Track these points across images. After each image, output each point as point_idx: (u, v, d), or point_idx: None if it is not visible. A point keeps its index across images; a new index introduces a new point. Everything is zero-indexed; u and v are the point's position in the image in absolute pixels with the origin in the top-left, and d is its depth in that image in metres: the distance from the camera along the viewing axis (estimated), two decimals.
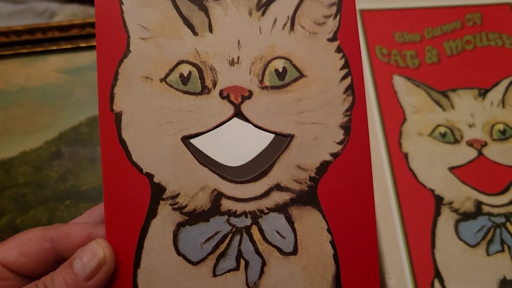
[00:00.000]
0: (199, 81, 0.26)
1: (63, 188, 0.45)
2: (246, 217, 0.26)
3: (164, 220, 0.25)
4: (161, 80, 0.26)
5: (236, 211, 0.26)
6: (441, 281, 0.36)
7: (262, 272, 0.26)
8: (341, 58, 0.27)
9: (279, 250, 0.26)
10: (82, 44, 0.51)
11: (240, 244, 0.26)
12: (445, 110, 0.43)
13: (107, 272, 0.25)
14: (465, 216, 0.39)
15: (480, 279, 0.36)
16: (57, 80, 0.50)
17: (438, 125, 0.42)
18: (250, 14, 0.27)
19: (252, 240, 0.26)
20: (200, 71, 0.26)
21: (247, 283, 0.26)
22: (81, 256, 0.25)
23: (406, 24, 0.48)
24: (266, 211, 0.26)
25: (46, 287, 0.24)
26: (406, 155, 0.41)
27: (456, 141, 0.41)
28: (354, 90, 0.27)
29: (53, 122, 0.48)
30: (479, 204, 0.39)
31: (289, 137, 0.26)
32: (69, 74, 0.50)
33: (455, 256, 0.37)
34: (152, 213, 0.25)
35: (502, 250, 0.37)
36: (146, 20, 0.26)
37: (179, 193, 0.26)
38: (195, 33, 0.27)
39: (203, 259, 0.26)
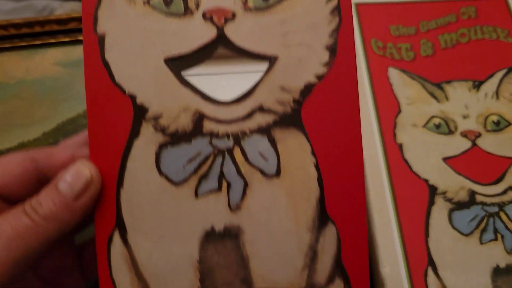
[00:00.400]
0: (182, 3, 0.26)
1: None
2: (228, 138, 0.26)
3: (147, 141, 0.26)
4: (144, 2, 0.26)
5: (218, 132, 0.26)
6: (435, 269, 0.37)
7: (244, 194, 0.26)
8: None
9: (262, 172, 0.26)
10: (81, 38, 0.51)
11: (222, 165, 0.26)
12: (439, 101, 0.43)
13: (94, 191, 0.25)
14: (459, 206, 0.39)
15: (473, 267, 0.36)
16: (56, 73, 0.51)
17: (433, 116, 0.42)
18: None
19: (234, 162, 0.26)
20: None
21: (229, 204, 0.26)
22: (66, 177, 0.25)
23: (402, 17, 0.48)
24: (248, 133, 0.26)
25: (34, 209, 0.24)
26: (400, 146, 0.41)
27: (450, 132, 0.42)
28: (341, 11, 0.26)
29: (52, 114, 0.48)
30: (472, 193, 0.39)
31: (273, 59, 0.26)
32: (67, 67, 0.51)
33: (449, 245, 0.37)
34: (134, 133, 0.26)
35: (495, 239, 0.37)
36: None
37: (161, 114, 0.26)
38: None
39: (185, 180, 0.25)
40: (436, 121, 0.42)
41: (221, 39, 0.26)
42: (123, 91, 0.26)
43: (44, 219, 0.24)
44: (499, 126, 0.42)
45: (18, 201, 0.26)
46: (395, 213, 0.39)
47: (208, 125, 0.26)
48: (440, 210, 0.39)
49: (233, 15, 0.26)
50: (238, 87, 0.26)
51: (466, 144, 0.41)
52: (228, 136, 0.26)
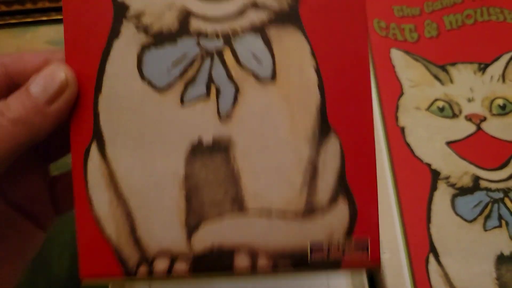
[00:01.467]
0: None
1: None
2: (217, 38, 0.23)
3: (128, 42, 0.23)
4: None
5: (206, 31, 0.23)
6: (436, 256, 0.35)
7: (235, 100, 0.23)
8: None
9: (255, 75, 0.23)
10: None
11: (211, 68, 0.23)
12: (443, 84, 0.42)
13: (70, 96, 0.22)
14: (462, 191, 0.37)
15: (476, 254, 0.35)
16: None
17: (436, 99, 0.41)
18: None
19: (224, 65, 0.23)
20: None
21: (218, 113, 0.23)
22: (39, 79, 0.22)
23: None
24: (240, 31, 0.23)
25: (1, 112, 0.22)
26: (402, 129, 0.40)
27: (454, 116, 0.40)
28: None
29: None
30: (476, 179, 0.38)
31: None
32: (60, 45, 0.49)
33: (451, 231, 0.36)
34: (114, 33, 0.23)
35: (500, 226, 0.36)
36: None
37: (144, 11, 0.23)
38: None
39: (169, 85, 0.23)
40: (440, 104, 0.41)
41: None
42: None
43: (12, 123, 0.22)
44: (505, 110, 0.40)
45: None
46: (396, 198, 0.37)
47: (195, 24, 0.23)
48: (442, 196, 0.37)
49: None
50: None
51: (470, 128, 0.40)
52: (217, 35, 0.23)
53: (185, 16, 0.23)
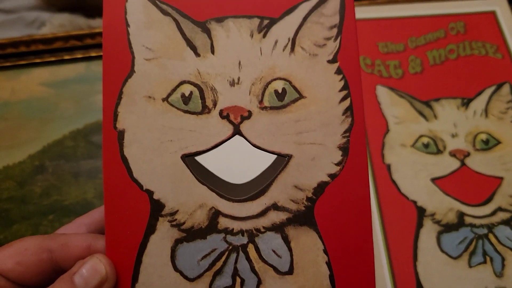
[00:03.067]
0: (200, 100, 0.27)
1: (46, 203, 0.44)
2: (242, 235, 0.26)
3: (163, 236, 0.26)
4: (163, 99, 0.27)
5: (233, 229, 0.26)
6: None
7: None
8: (340, 79, 0.27)
9: (275, 269, 0.26)
10: (66, 57, 0.51)
11: (236, 262, 0.26)
12: (428, 120, 0.43)
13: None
14: (448, 228, 0.38)
15: None
16: (42, 94, 0.50)
17: (421, 136, 0.42)
18: (252, 36, 0.27)
19: (248, 259, 0.26)
20: (201, 91, 0.27)
21: None
22: (82, 272, 0.25)
23: (390, 34, 0.48)
24: (262, 230, 0.26)
25: None
26: (388, 166, 0.41)
27: (439, 152, 0.41)
28: (353, 112, 0.26)
29: (37, 135, 0.48)
30: (461, 215, 0.39)
31: (287, 157, 0.26)
32: (53, 87, 0.50)
33: (437, 269, 0.37)
34: (151, 229, 0.26)
35: (484, 262, 0.37)
36: (151, 41, 0.27)
37: (177, 210, 0.26)
38: (197, 54, 0.27)
39: (199, 276, 0.26)
40: (425, 140, 0.42)
41: (236, 139, 0.26)
42: (140, 186, 0.26)
43: None
44: (488, 144, 0.41)
45: (32, 287, 0.27)
46: (383, 236, 0.38)
47: (223, 222, 0.26)
48: (428, 233, 0.38)
49: (249, 114, 0.26)
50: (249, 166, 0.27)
51: (454, 164, 0.41)
52: (242, 233, 0.26)
53: (215, 215, 0.26)
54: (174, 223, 0.26)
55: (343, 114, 0.26)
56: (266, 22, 0.27)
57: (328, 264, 0.26)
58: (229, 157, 0.26)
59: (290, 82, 0.27)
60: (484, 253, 0.37)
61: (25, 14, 0.61)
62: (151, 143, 0.26)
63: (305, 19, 0.27)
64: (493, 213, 0.39)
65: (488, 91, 0.44)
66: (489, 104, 0.43)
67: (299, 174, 0.26)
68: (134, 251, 0.26)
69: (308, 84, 0.27)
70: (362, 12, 0.48)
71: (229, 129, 0.26)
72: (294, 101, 0.27)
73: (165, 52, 0.27)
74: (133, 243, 0.26)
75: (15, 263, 0.27)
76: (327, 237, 0.26)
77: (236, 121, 0.26)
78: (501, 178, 0.40)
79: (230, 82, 0.27)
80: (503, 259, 0.37)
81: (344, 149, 0.26)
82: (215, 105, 0.27)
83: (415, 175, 0.41)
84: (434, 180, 0.40)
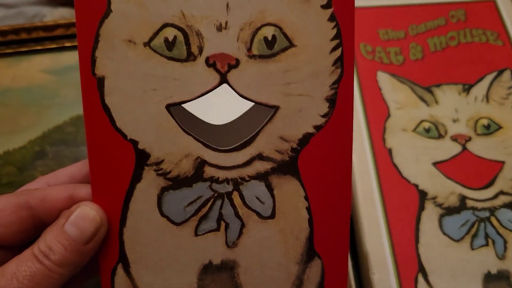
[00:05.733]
0: (184, 46, 0.25)
1: None
2: (228, 183, 0.26)
3: (149, 185, 0.26)
4: (145, 44, 0.25)
5: (218, 178, 0.26)
6: (425, 276, 0.36)
7: (241, 233, 0.27)
8: (333, 27, 0.26)
9: (258, 214, 0.27)
10: (67, 44, 0.51)
11: (221, 208, 0.27)
12: (429, 105, 0.43)
13: (103, 234, 0.26)
14: (449, 211, 0.38)
15: (464, 273, 0.36)
16: (42, 80, 0.50)
17: (422, 121, 0.42)
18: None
19: (232, 205, 0.27)
20: (186, 36, 0.25)
21: (226, 242, 0.27)
22: (74, 220, 0.25)
23: (391, 21, 0.48)
24: (247, 178, 0.26)
25: (46, 256, 0.24)
26: (390, 151, 0.41)
27: (440, 136, 0.41)
28: (343, 62, 0.26)
29: (38, 121, 0.48)
30: (463, 198, 0.39)
31: (274, 109, 0.26)
32: (54, 74, 0.50)
33: (439, 251, 0.37)
34: (137, 177, 0.26)
35: (486, 245, 0.37)
36: None
37: (163, 160, 0.26)
38: None
39: (185, 220, 0.26)
40: (426, 125, 0.42)
41: (223, 88, 0.26)
42: (124, 136, 0.26)
43: (58, 266, 0.24)
44: (489, 129, 0.41)
45: (15, 247, 0.27)
46: (384, 219, 0.38)
47: (208, 171, 0.26)
48: (430, 216, 0.38)
49: (237, 62, 0.25)
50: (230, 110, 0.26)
51: (456, 148, 0.41)
52: (227, 181, 0.26)
53: (200, 164, 0.26)
54: (160, 172, 0.26)
55: (333, 64, 0.26)
56: None
57: (308, 209, 0.27)
58: (215, 105, 0.26)
59: (281, 29, 0.25)
60: (486, 236, 0.37)
61: (25, 8, 0.61)
62: (133, 91, 0.25)
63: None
64: (495, 196, 0.39)
65: (489, 77, 0.44)
66: (490, 90, 0.43)
67: (285, 126, 0.26)
68: (120, 198, 0.26)
69: (300, 31, 0.25)
70: (364, 0, 0.48)
71: (216, 78, 0.25)
72: (284, 49, 0.25)
73: None
74: (120, 191, 0.26)
75: None
76: (309, 185, 0.27)
77: (223, 69, 0.25)
78: (503, 162, 0.40)
79: (217, 26, 0.25)
80: (505, 242, 0.37)
81: (331, 101, 0.26)
82: (201, 51, 0.25)
83: (416, 159, 0.40)
84: (435, 164, 0.40)
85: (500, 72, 0.44)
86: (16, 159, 0.46)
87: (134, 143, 0.26)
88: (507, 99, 0.43)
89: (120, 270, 0.26)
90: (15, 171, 0.46)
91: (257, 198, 0.27)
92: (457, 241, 0.37)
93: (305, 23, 0.25)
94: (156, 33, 0.25)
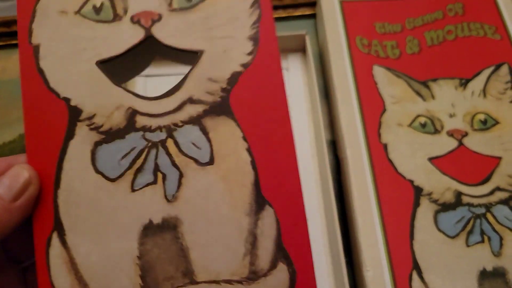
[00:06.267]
0: (111, 10, 0.27)
1: None
2: (161, 131, 0.26)
3: (82, 141, 0.26)
4: (76, 12, 0.27)
5: (151, 126, 0.26)
6: (420, 273, 0.35)
7: (179, 184, 0.26)
8: None
9: (196, 161, 0.26)
10: None
11: (156, 158, 0.26)
12: (425, 100, 0.42)
13: (33, 192, 0.25)
14: (445, 207, 0.38)
15: (459, 270, 0.35)
16: None
17: (418, 115, 0.41)
18: None
19: (168, 153, 0.26)
20: (112, 1, 0.27)
21: (165, 196, 0.26)
22: (4, 180, 0.25)
23: (387, 14, 0.47)
24: (180, 124, 0.26)
25: None
26: (385, 146, 0.40)
27: (436, 131, 0.41)
28: (260, 4, 0.28)
29: None
30: (459, 194, 0.38)
31: (199, 53, 0.27)
32: None
33: (434, 248, 0.36)
34: (70, 134, 0.26)
35: (482, 241, 0.36)
36: None
37: (95, 114, 0.26)
38: None
39: (121, 175, 0.26)
40: (422, 120, 0.41)
41: (149, 40, 0.27)
42: (57, 95, 0.26)
43: None
44: (486, 125, 0.41)
45: None
46: (379, 215, 0.38)
47: (140, 120, 0.26)
48: (425, 212, 0.38)
49: (159, 17, 0.27)
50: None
51: (452, 143, 0.40)
52: (160, 128, 0.26)
53: (132, 114, 0.26)
54: (93, 126, 0.26)
55: (250, 7, 0.28)
56: None
57: (249, 150, 0.26)
58: None
59: None
60: (482, 233, 0.37)
61: None
62: (65, 53, 0.27)
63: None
64: (491, 192, 0.38)
65: (487, 72, 0.43)
66: (487, 84, 0.43)
67: (212, 67, 0.27)
68: (54, 158, 0.26)
69: None
70: None
71: (141, 32, 0.27)
72: (202, 0, 0.28)
73: None
74: (53, 150, 0.26)
75: None
76: (245, 124, 0.26)
77: (147, 24, 0.27)
78: (499, 158, 0.39)
79: None
80: (501, 239, 0.36)
81: (254, 39, 0.27)
82: (125, 12, 0.27)
83: (412, 154, 0.40)
84: (431, 159, 0.40)
85: (498, 67, 0.43)
86: (5, 153, 0.45)
87: (67, 100, 0.26)
88: (505, 94, 0.42)
89: (55, 240, 0.25)
90: None
91: (193, 144, 0.26)
92: (453, 237, 0.36)
93: None
94: (85, 2, 0.27)
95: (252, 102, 0.26)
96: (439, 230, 0.37)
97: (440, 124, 0.41)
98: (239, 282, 0.25)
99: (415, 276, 0.35)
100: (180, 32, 0.27)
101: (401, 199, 0.38)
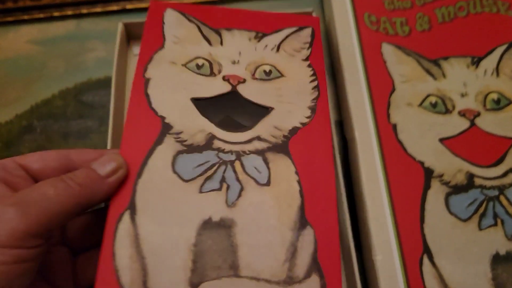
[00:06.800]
0: (209, 69, 0.36)
1: None
2: (231, 154, 0.33)
3: (167, 147, 0.32)
4: (182, 65, 0.36)
5: (224, 149, 0.33)
6: (430, 257, 0.34)
7: (239, 195, 0.31)
8: (311, 70, 0.37)
9: (255, 181, 0.32)
10: (56, 14, 0.49)
11: (224, 172, 0.32)
12: (436, 79, 0.41)
13: (121, 175, 0.30)
14: (457, 189, 0.36)
15: (471, 254, 0.34)
16: (30, 51, 0.48)
17: (429, 95, 0.40)
18: (249, 40, 0.38)
19: (234, 171, 0.32)
20: (210, 63, 0.36)
21: (226, 202, 0.31)
22: (100, 160, 0.30)
23: None
24: (248, 152, 0.33)
25: (70, 178, 0.28)
26: (394, 126, 0.39)
27: (447, 111, 0.39)
28: (319, 88, 0.36)
29: (25, 95, 0.46)
30: (471, 176, 0.37)
31: (270, 109, 0.35)
32: (42, 45, 0.48)
33: (446, 231, 0.35)
34: (159, 141, 0.33)
35: (495, 224, 0.35)
36: (178, 33, 0.38)
37: (182, 131, 0.33)
38: (210, 44, 0.38)
39: (193, 179, 0.32)
40: (433, 99, 0.40)
41: (234, 94, 0.35)
42: (156, 113, 0.34)
43: (79, 185, 0.28)
44: (499, 104, 0.39)
45: None
46: (388, 198, 0.36)
47: (217, 143, 0.33)
48: (436, 194, 0.36)
49: (244, 80, 0.36)
50: None
51: (464, 124, 0.39)
52: (231, 152, 0.33)
53: (211, 138, 0.33)
54: (179, 139, 0.33)
55: (312, 89, 0.36)
56: (260, 34, 0.39)
57: (299, 182, 0.32)
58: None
59: (275, 67, 0.37)
60: (495, 216, 0.35)
61: None
62: (168, 88, 0.35)
63: (287, 36, 0.38)
64: (505, 174, 0.37)
65: (500, 50, 0.42)
66: (500, 63, 0.41)
67: (278, 120, 0.35)
68: (142, 155, 0.32)
69: (288, 70, 0.37)
70: None
71: (228, 87, 0.35)
72: (277, 77, 0.37)
73: (186, 40, 0.37)
74: (143, 149, 0.32)
75: (41, 166, 0.30)
76: (298, 163, 0.33)
77: (234, 83, 0.36)
78: None
79: (232, 61, 0.37)
80: None
81: (312, 109, 0.35)
82: (219, 72, 0.36)
83: (422, 135, 0.39)
84: (442, 140, 0.38)
85: (511, 44, 0.42)
86: (1, 134, 0.44)
87: (163, 118, 0.34)
88: None
89: (126, 217, 0.30)
90: (1, 146, 0.43)
91: (255, 168, 0.32)
92: (465, 221, 0.35)
93: (292, 66, 0.37)
94: (191, 60, 0.37)
95: (305, 149, 0.34)
96: (451, 213, 0.36)
97: (451, 103, 0.39)
98: (277, 283, 0.29)
99: (425, 260, 0.34)
100: (258, 93, 0.35)
101: (411, 181, 0.37)
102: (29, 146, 0.43)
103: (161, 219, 0.30)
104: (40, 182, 0.27)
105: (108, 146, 0.38)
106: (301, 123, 0.34)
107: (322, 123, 0.34)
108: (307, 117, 0.35)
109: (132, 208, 0.30)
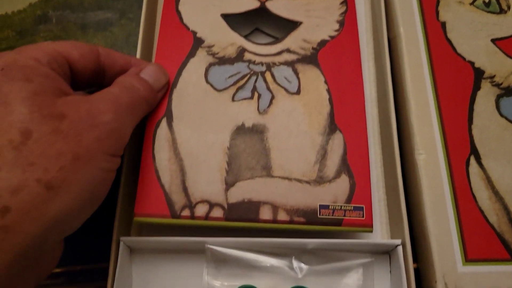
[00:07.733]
0: None
1: None
2: (262, 65, 0.34)
3: (200, 60, 0.33)
4: None
5: (255, 61, 0.34)
6: (478, 159, 0.32)
7: (271, 103, 0.32)
8: None
9: (286, 90, 0.33)
10: None
11: (255, 82, 0.33)
12: None
13: (167, 89, 0.32)
14: (509, 91, 0.34)
15: None
16: None
17: None
18: None
19: (265, 81, 0.33)
20: None
21: (258, 109, 0.32)
22: (151, 72, 0.30)
23: None
24: (277, 63, 0.34)
25: (138, 89, 0.28)
26: (443, 24, 0.36)
27: (502, 11, 0.36)
28: (347, 3, 0.37)
29: None
30: None
31: (299, 23, 0.35)
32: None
33: (495, 133, 0.32)
34: (192, 54, 0.34)
35: None
36: None
37: (214, 45, 0.34)
38: None
39: (225, 88, 0.33)
40: None
41: (262, 10, 0.35)
42: (187, 28, 0.35)
43: (144, 100, 0.29)
44: None
45: (79, 86, 0.29)
46: (434, 97, 0.34)
47: (247, 55, 0.34)
48: (486, 96, 0.34)
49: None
50: None
51: None
52: (262, 64, 0.34)
53: (242, 50, 0.34)
54: (210, 52, 0.34)
55: (340, 4, 0.36)
56: None
57: (328, 91, 0.33)
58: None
59: None
60: None
61: None
62: (199, 3, 0.36)
63: None
64: None
65: None
66: None
67: (307, 33, 0.35)
68: (176, 66, 0.33)
69: None
70: None
71: (257, 3, 0.35)
72: None
73: None
74: (177, 60, 0.33)
75: (79, 54, 0.28)
76: (327, 74, 0.33)
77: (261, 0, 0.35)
78: None
79: None
80: None
81: (340, 22, 0.36)
82: None
83: (473, 34, 0.35)
84: (495, 41, 0.35)
85: None
86: (15, 23, 0.41)
87: (195, 33, 0.34)
88: None
89: (163, 124, 0.31)
90: (14, 35, 0.40)
91: (285, 78, 0.33)
92: None
93: None
94: None
95: (334, 60, 0.34)
96: (502, 115, 0.33)
97: (506, 3, 0.36)
98: (308, 182, 0.30)
99: (473, 161, 0.32)
100: (286, 8, 0.35)
101: (459, 81, 0.34)
102: (45, 36, 0.40)
103: (197, 125, 0.31)
104: (117, 84, 0.27)
105: (138, 54, 0.34)
106: (330, 36, 0.35)
107: (350, 36, 0.35)
108: (336, 30, 0.35)
109: (168, 115, 0.31)
